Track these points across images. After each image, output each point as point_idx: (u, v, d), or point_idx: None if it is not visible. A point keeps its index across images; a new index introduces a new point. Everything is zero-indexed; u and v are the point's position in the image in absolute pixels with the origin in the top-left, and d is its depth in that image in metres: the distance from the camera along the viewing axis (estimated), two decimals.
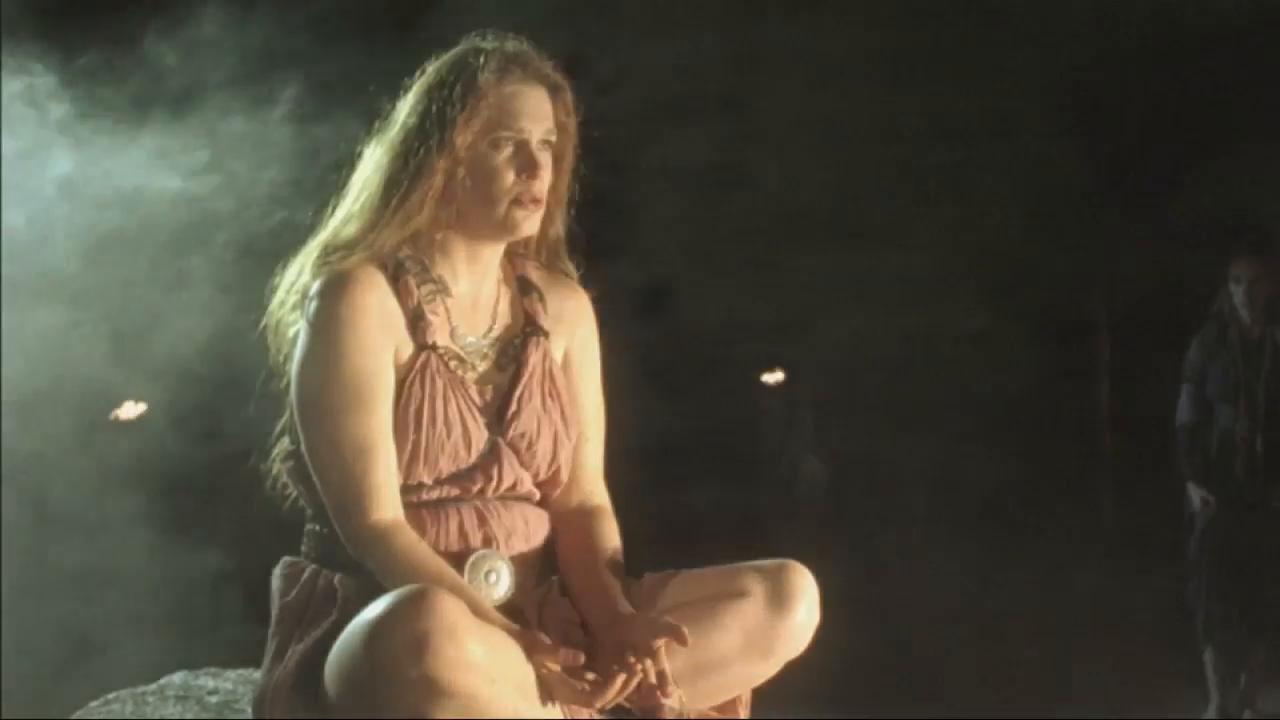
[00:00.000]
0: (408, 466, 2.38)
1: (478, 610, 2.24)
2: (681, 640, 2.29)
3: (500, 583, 2.41)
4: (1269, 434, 5.58)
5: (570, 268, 2.59)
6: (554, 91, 2.47)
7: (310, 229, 2.52)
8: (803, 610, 2.42)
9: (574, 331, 2.57)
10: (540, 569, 2.49)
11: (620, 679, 2.28)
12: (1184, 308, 6.15)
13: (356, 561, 2.36)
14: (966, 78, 7.69)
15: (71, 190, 4.46)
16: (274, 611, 2.44)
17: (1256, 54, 7.37)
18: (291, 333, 2.45)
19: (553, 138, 2.46)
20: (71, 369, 4.61)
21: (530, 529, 2.47)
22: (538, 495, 2.51)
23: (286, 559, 2.49)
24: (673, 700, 2.31)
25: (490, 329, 2.50)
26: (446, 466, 2.40)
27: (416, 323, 2.41)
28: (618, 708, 2.30)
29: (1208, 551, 5.63)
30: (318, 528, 2.45)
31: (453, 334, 2.45)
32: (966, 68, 7.65)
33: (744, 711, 2.50)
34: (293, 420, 2.42)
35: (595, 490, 2.57)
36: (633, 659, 2.29)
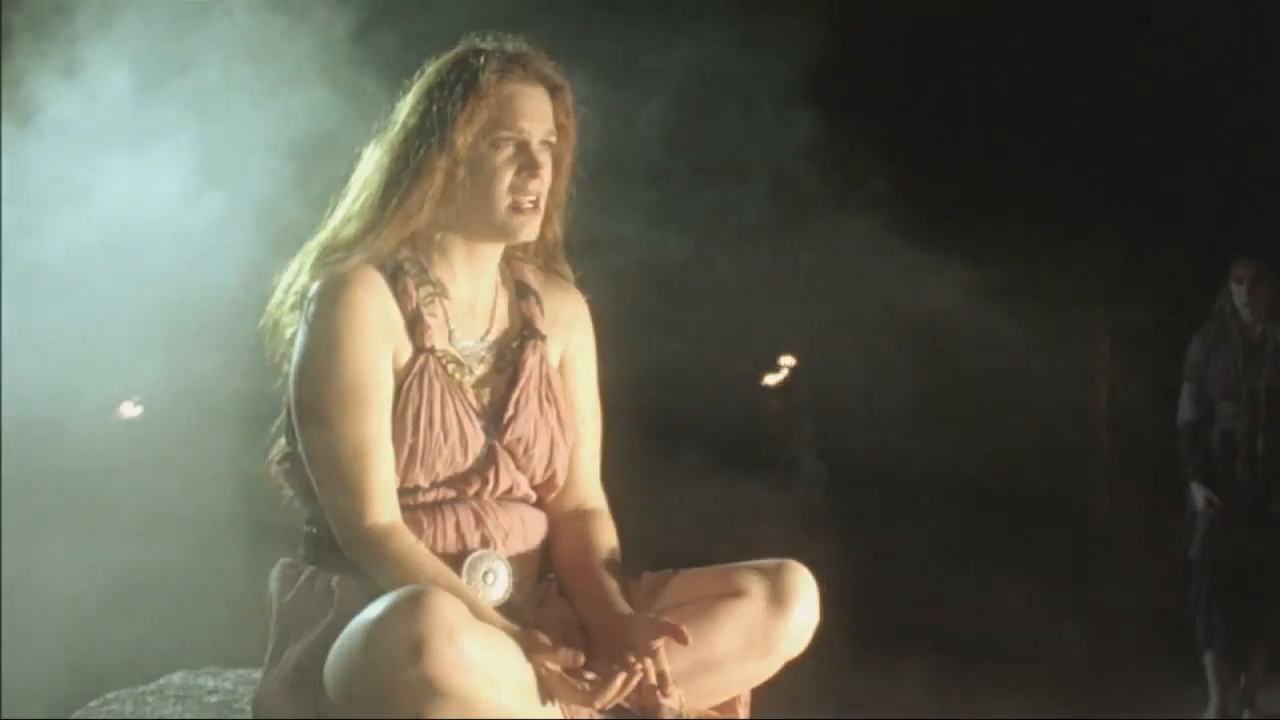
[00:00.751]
0: (404, 470, 2.38)
1: (476, 611, 2.24)
2: (681, 640, 2.29)
3: (498, 583, 2.41)
4: (1269, 434, 5.58)
5: (567, 270, 2.59)
6: (554, 92, 2.47)
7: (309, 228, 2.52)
8: (802, 610, 2.42)
9: (570, 334, 2.57)
10: (539, 569, 2.49)
11: (620, 679, 2.28)
12: (1184, 308, 6.16)
13: (354, 563, 2.36)
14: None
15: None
16: (272, 613, 2.45)
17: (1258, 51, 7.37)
18: (289, 334, 2.44)
19: (553, 139, 2.46)
20: None
21: (528, 529, 2.47)
22: (534, 497, 2.51)
23: (284, 560, 2.49)
24: (672, 700, 2.31)
25: (488, 332, 2.50)
26: (443, 470, 2.40)
27: (415, 325, 2.41)
28: (618, 708, 2.30)
29: (1209, 552, 5.63)
30: (314, 530, 2.45)
31: (450, 337, 2.45)
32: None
33: (744, 711, 2.50)
34: (290, 422, 2.42)
35: (592, 492, 2.56)
36: (632, 659, 2.29)
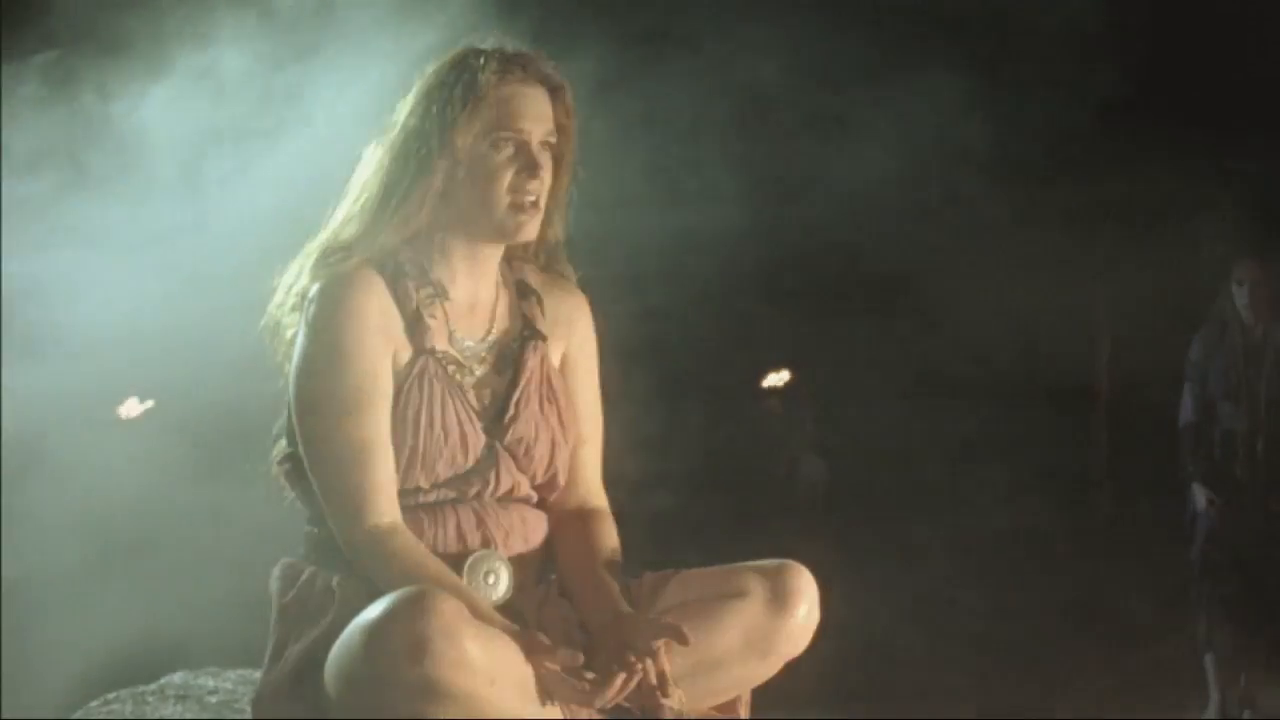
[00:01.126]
0: (405, 471, 2.38)
1: (477, 611, 2.24)
2: (682, 640, 2.29)
3: (499, 583, 2.41)
4: (1270, 434, 5.58)
5: (568, 270, 2.59)
6: (554, 93, 2.47)
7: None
8: (802, 610, 2.42)
9: (571, 334, 2.57)
10: (539, 569, 2.49)
11: (620, 679, 2.28)
12: (1184, 308, 6.16)
13: (354, 563, 2.36)
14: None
15: None
16: (273, 612, 2.45)
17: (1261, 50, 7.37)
18: (289, 335, 2.45)
19: (553, 139, 2.46)
20: None
21: (528, 529, 2.47)
22: (535, 498, 2.51)
23: (285, 560, 2.49)
24: (673, 700, 2.31)
25: (488, 333, 2.50)
26: (444, 471, 2.41)
27: (415, 327, 2.41)
28: (618, 708, 2.30)
29: (1210, 553, 5.63)
30: (315, 530, 2.45)
31: (451, 338, 2.45)
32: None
33: (744, 711, 2.50)
34: (290, 422, 2.42)
35: (593, 492, 2.57)
36: (633, 659, 2.29)
